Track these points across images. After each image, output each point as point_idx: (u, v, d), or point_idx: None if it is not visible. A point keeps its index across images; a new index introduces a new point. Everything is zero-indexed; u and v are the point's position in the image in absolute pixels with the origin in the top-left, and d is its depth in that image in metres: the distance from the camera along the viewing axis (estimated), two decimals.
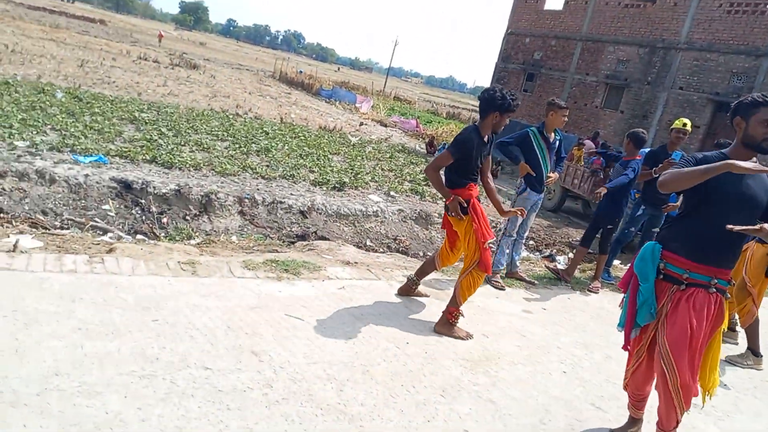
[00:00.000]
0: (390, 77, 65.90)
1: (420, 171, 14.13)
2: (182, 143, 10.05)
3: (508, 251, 5.39)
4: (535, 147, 5.18)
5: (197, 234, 6.50)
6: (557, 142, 5.33)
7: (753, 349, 4.41)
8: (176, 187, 7.31)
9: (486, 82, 42.78)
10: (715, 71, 17.86)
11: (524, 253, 8.94)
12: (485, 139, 3.94)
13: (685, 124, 5.76)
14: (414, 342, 3.65)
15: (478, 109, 4.03)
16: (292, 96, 27.82)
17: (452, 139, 4.26)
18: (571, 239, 10.99)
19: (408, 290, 4.41)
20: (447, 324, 3.85)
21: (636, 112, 20.09)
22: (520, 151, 5.19)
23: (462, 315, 3.89)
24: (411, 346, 3.59)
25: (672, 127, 5.88)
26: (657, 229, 6.39)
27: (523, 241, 5.64)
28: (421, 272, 4.37)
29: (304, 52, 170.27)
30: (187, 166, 8.49)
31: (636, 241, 6.50)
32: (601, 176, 12.01)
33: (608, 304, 5.37)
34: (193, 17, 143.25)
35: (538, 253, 9.25)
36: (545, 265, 6.48)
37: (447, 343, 3.75)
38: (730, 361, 4.42)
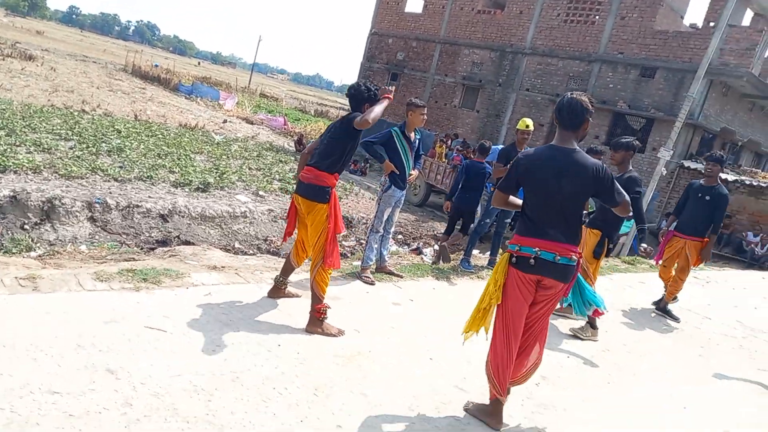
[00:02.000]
0: (255, 73, 64.16)
1: (289, 169, 13.98)
2: (17, 143, 8.96)
3: (376, 246, 5.53)
4: (398, 146, 5.36)
5: (39, 245, 5.85)
6: (417, 141, 5.57)
7: (590, 322, 4.99)
8: (11, 193, 6.50)
9: (352, 80, 43.31)
10: (555, 74, 19.81)
11: (393, 248, 9.25)
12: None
13: (527, 126, 6.38)
14: (286, 343, 3.62)
15: (349, 105, 4.13)
16: (147, 91, 25.97)
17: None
18: (436, 232, 11.57)
19: (277, 292, 4.36)
20: (317, 322, 3.87)
21: (490, 111, 21.64)
22: (384, 150, 5.34)
23: (329, 307, 3.93)
24: (282, 347, 3.56)
25: (517, 128, 6.48)
26: (509, 220, 6.98)
27: (390, 236, 5.82)
28: (285, 271, 4.33)
29: (160, 44, 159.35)
30: (24, 169, 7.59)
31: (492, 231, 7.01)
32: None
33: (472, 290, 5.74)
34: (27, 2, 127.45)
35: (406, 247, 9.62)
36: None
37: (319, 341, 3.77)
38: (573, 333, 4.96)
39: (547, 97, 19.86)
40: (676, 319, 6.12)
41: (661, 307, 6.29)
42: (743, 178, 14.71)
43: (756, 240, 13.34)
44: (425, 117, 5.46)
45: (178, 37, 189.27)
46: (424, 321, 4.57)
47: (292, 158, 16.31)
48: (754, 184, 13.93)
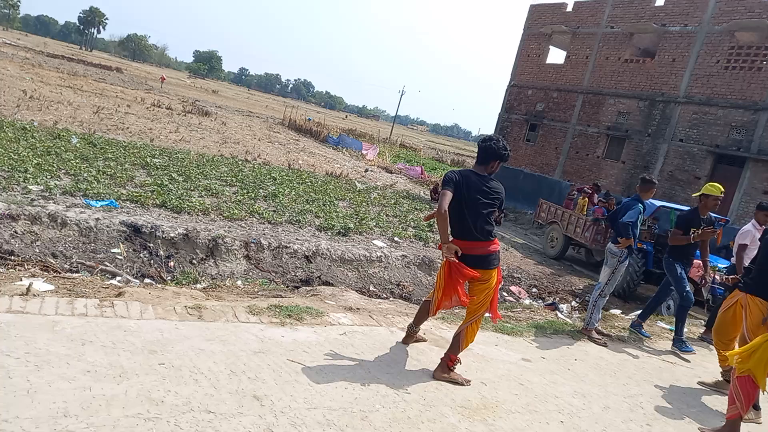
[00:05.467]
0: (396, 125, 67.18)
1: (423, 217, 14.27)
2: (192, 188, 10.31)
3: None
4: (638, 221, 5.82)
5: (203, 278, 6.63)
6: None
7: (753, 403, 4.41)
8: (184, 232, 7.49)
9: (490, 130, 43.39)
10: (714, 124, 18.21)
11: (526, 301, 8.99)
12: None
13: (722, 192, 5.90)
14: (413, 389, 3.71)
15: (478, 154, 4.04)
16: (300, 143, 28.42)
17: None
18: (573, 287, 11.02)
19: (409, 339, 4.49)
20: (446, 369, 3.92)
21: (637, 162, 20.38)
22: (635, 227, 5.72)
23: (460, 362, 3.96)
24: (410, 392, 3.65)
25: (706, 193, 5.89)
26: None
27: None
28: (418, 320, 4.45)
29: (313, 100, 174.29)
30: (196, 210, 8.70)
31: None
32: (602, 225, 12.14)
33: (607, 354, 5.41)
34: (207, 66, 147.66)
35: (540, 301, 9.29)
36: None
37: (446, 390, 3.80)
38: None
39: (704, 148, 18.27)
40: None
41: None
42: None
43: None
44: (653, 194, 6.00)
45: (329, 93, 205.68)
46: (556, 381, 4.39)
47: (427, 206, 16.69)
48: None
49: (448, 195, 3.71)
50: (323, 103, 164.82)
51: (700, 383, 5.03)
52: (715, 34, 18.45)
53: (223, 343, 3.77)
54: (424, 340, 4.59)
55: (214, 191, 10.53)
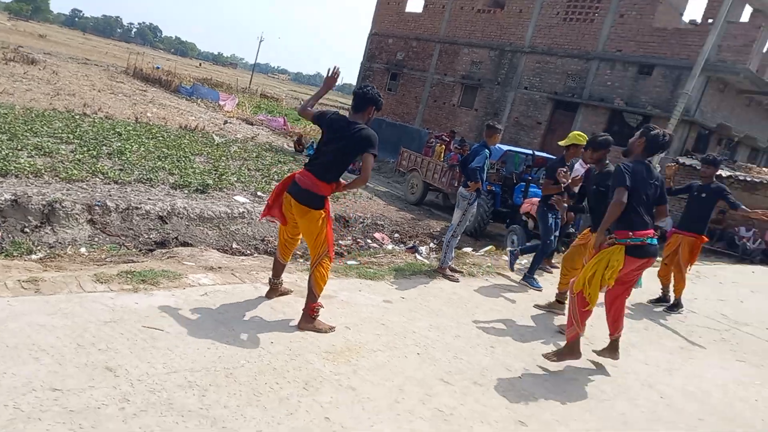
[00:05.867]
0: (256, 74, 64.36)
1: (288, 170, 14.08)
2: (19, 148, 9.12)
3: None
4: (485, 165, 6.23)
5: (39, 248, 6.00)
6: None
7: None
8: (12, 197, 6.66)
9: (352, 80, 43.34)
10: (553, 72, 19.90)
11: (389, 246, 9.39)
12: None
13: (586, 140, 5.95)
14: (278, 341, 3.76)
15: (353, 102, 4.17)
16: (148, 94, 26.15)
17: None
18: (432, 230, 11.70)
19: (274, 293, 4.50)
20: (309, 319, 4.01)
21: (488, 109, 21.75)
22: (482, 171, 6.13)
23: (322, 306, 4.08)
24: (275, 344, 3.69)
25: (570, 143, 6.09)
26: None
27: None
28: (276, 272, 4.47)
29: (161, 46, 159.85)
30: (26, 172, 7.74)
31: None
32: (458, 170, 12.91)
33: (460, 289, 5.88)
34: (30, 6, 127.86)
35: (402, 245, 9.75)
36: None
37: (311, 338, 3.90)
38: (560, 329, 5.07)
39: (545, 95, 19.95)
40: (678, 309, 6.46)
41: (676, 302, 6.53)
42: (738, 173, 14.79)
43: (748, 235, 13.44)
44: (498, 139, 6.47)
45: (180, 39, 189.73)
46: (414, 318, 4.70)
47: (291, 158, 16.47)
48: (748, 179, 14.00)
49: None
50: (173, 50, 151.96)
51: (535, 306, 5.70)
52: None
53: (66, 317, 3.48)
54: (290, 292, 4.62)
55: (47, 150, 9.40)
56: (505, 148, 12.50)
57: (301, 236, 4.26)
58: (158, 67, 39.64)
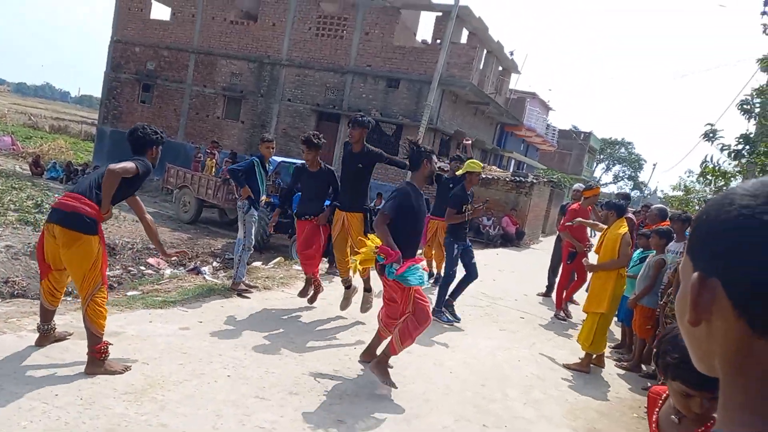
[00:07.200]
0: None
1: (27, 196, 12.11)
2: None
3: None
4: (257, 174, 6.18)
5: None
6: (270, 169, 6.26)
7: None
8: None
9: (95, 90, 38.81)
10: (313, 85, 20.78)
11: (168, 271, 8.79)
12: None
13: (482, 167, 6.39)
14: (65, 392, 3.28)
15: (132, 147, 4.04)
16: None
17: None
18: (212, 248, 11.27)
19: (46, 339, 3.88)
20: (98, 363, 3.58)
21: (255, 121, 21.70)
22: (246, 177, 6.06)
23: (110, 344, 3.69)
24: (62, 396, 3.22)
25: (471, 171, 6.22)
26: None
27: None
28: (44, 317, 3.87)
29: None
30: None
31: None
32: (232, 184, 12.66)
33: (256, 303, 5.84)
34: None
35: (182, 268, 9.19)
36: None
37: (104, 381, 3.49)
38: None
39: (308, 107, 20.72)
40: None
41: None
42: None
43: (489, 223, 16.00)
44: (273, 149, 6.43)
45: None
46: (216, 341, 4.53)
47: (29, 183, 14.16)
48: (483, 176, 16.69)
49: None
50: None
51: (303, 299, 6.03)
52: (304, 2, 20.72)
53: None
54: (69, 335, 4.05)
55: None
56: (279, 159, 12.68)
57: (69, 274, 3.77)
58: None
